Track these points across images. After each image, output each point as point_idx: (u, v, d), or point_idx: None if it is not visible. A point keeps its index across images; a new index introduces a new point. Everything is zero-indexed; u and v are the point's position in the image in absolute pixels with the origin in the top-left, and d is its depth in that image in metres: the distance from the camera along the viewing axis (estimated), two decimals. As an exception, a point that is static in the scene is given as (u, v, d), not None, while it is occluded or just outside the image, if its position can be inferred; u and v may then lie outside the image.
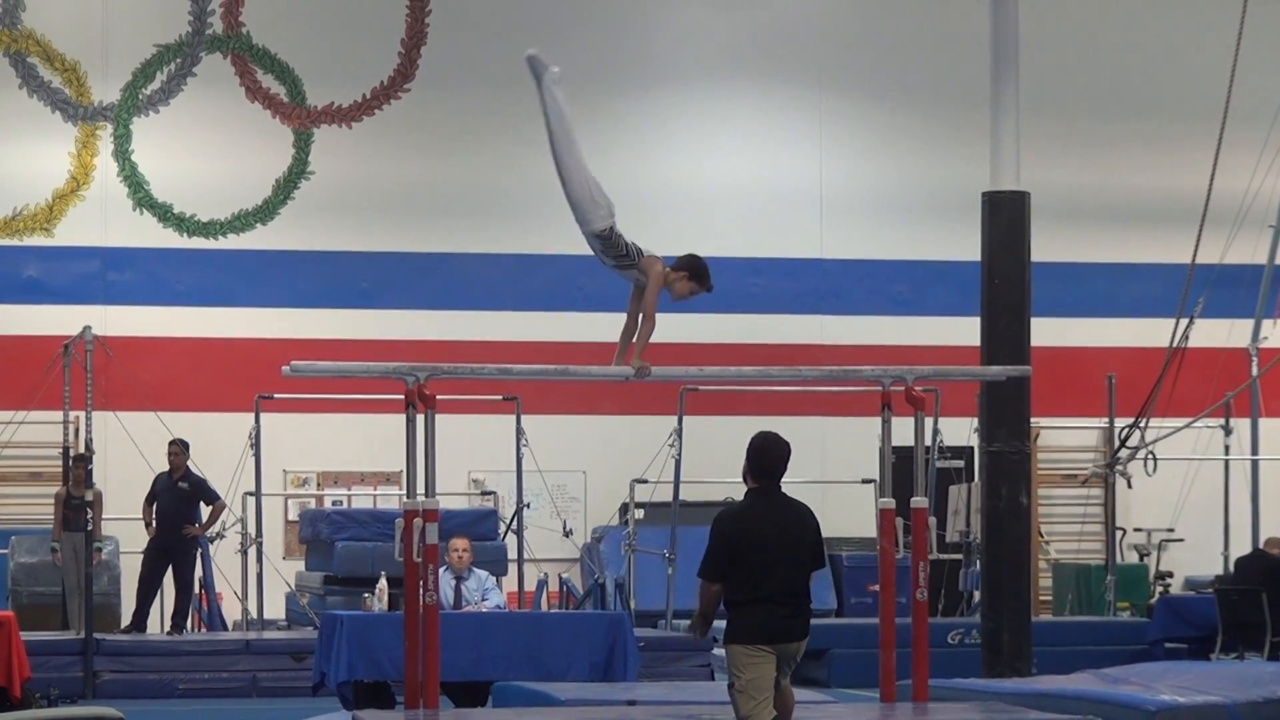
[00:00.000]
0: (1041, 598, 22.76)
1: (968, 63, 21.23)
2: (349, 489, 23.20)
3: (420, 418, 10.96)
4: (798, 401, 22.02)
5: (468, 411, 20.57)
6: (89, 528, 17.84)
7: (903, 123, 24.60)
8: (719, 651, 12.56)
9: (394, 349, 21.45)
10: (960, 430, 20.51)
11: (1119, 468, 20.25)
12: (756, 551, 9.15)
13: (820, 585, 21.63)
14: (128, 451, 20.00)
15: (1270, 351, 22.75)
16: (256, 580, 19.51)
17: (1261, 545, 20.44)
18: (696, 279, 10.79)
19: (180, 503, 18.63)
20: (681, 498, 19.30)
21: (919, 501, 11.70)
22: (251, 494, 19.75)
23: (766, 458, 9.33)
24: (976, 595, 17.98)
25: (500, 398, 20.74)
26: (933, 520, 13.70)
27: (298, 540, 21.69)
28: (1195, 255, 18.51)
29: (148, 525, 18.62)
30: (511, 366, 12.55)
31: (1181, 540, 23.63)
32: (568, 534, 21.05)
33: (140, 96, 23.18)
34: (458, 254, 23.77)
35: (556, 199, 24.10)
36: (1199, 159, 19.08)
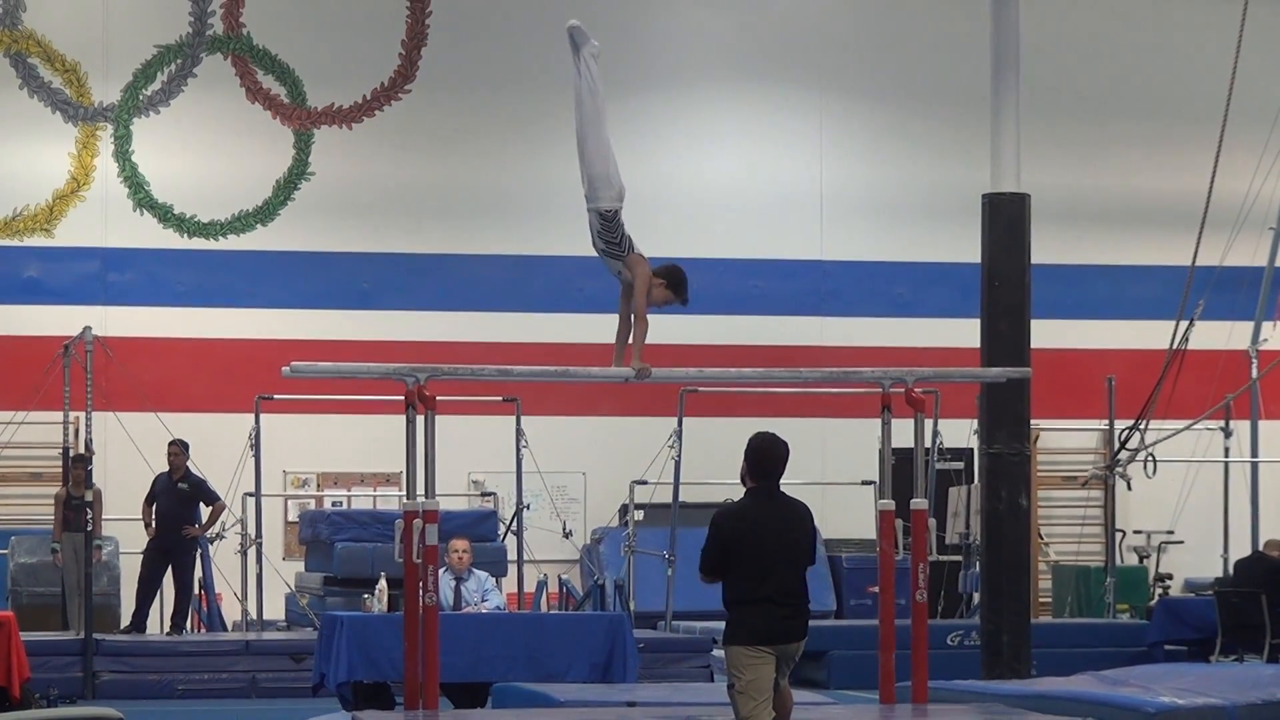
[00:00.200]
0: (1041, 600, 22.77)
1: (968, 65, 21.24)
2: (349, 490, 23.20)
3: (420, 419, 10.97)
4: (798, 403, 22.01)
5: (468, 412, 20.58)
6: (89, 528, 17.84)
7: (903, 124, 24.60)
8: (718, 653, 12.57)
9: (394, 350, 21.44)
10: (960, 432, 20.52)
11: (1119, 470, 20.25)
12: (754, 551, 9.16)
13: (820, 586, 21.65)
14: (128, 452, 20.00)
15: (1270, 354, 22.76)
16: (256, 581, 19.51)
17: (1261, 547, 20.44)
18: (674, 289, 10.81)
19: (180, 503, 18.63)
20: (681, 499, 19.29)
21: (919, 503, 11.71)
22: (251, 495, 19.75)
23: (766, 458, 9.33)
24: (976, 597, 17.99)
25: (500, 399, 20.74)
26: (932, 522, 13.68)
27: (297, 541, 21.70)
28: (1195, 257, 18.50)
29: (147, 526, 18.62)
30: (511, 367, 12.57)
31: (1181, 542, 23.63)
32: (567, 535, 21.05)
33: (141, 97, 23.19)
34: (458, 255, 23.77)
35: (556, 200, 24.28)
36: (1199, 161, 19.08)
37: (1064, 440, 24.46)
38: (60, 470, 19.62)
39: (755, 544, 9.16)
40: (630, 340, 10.87)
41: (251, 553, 19.55)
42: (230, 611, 20.50)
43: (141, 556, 18.84)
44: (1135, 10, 25.20)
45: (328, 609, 17.51)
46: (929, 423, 16.77)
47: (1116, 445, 20.12)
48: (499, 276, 23.77)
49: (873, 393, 11.88)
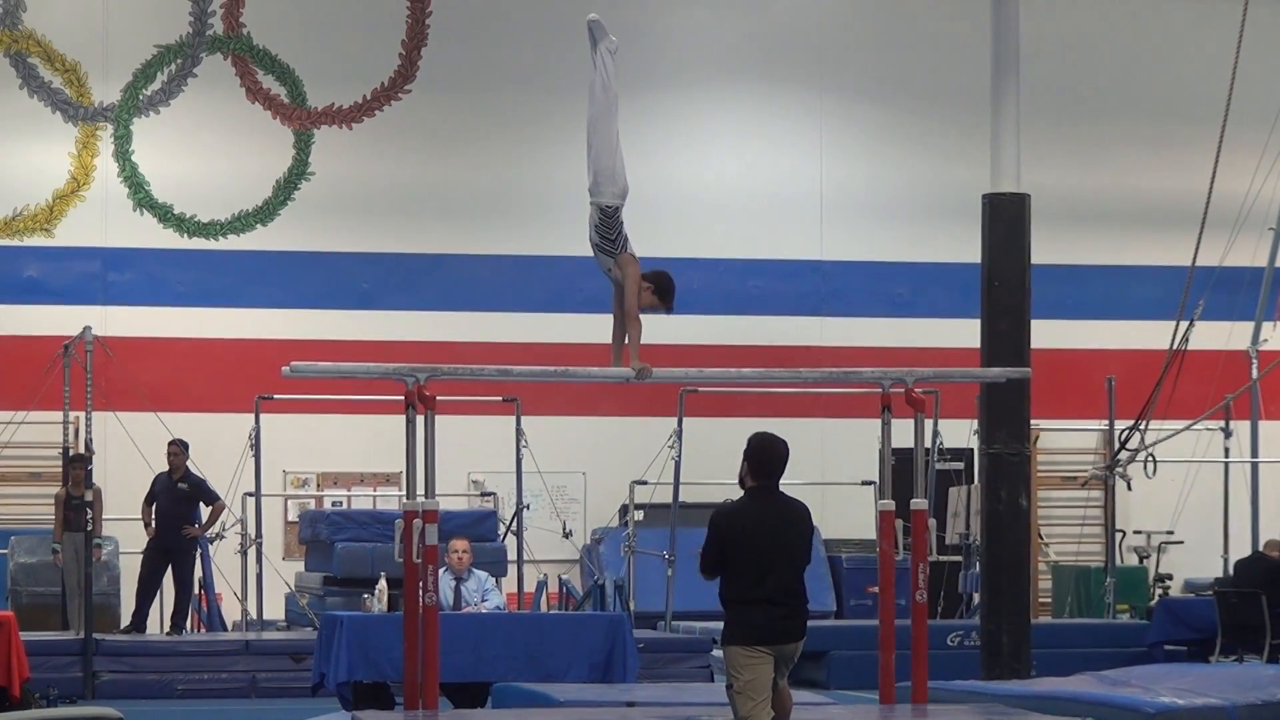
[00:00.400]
0: (1041, 600, 22.76)
1: (968, 65, 21.26)
2: (349, 490, 23.20)
3: (420, 419, 10.96)
4: (797, 403, 22.01)
5: (467, 413, 20.58)
6: (89, 528, 17.84)
7: (903, 125, 24.60)
8: (718, 653, 12.57)
9: (394, 350, 21.43)
10: (960, 432, 20.51)
11: (1119, 470, 20.24)
12: (752, 551, 9.15)
13: (820, 587, 21.65)
14: (128, 452, 20.00)
15: (1270, 354, 22.75)
16: (256, 581, 19.51)
17: (1261, 548, 20.44)
18: (660, 295, 10.81)
19: (179, 503, 18.63)
20: (681, 499, 19.30)
21: (919, 503, 11.70)
22: (251, 494, 19.76)
23: (767, 458, 9.32)
24: (976, 597, 17.99)
25: (500, 399, 20.75)
26: (932, 522, 13.69)
27: (297, 541, 21.70)
28: (1195, 258, 18.49)
29: (147, 525, 18.61)
30: (511, 368, 12.56)
31: (1181, 543, 23.63)
32: (567, 535, 21.05)
33: (141, 97, 23.19)
34: (458, 255, 23.77)
35: (557, 200, 24.29)
36: (1199, 161, 19.07)
37: (1064, 440, 24.45)
38: (60, 470, 19.61)
39: (754, 543, 9.16)
40: (626, 341, 10.87)
41: (251, 552, 19.55)
42: (230, 611, 20.50)
43: (141, 556, 18.84)
44: (1135, 10, 25.20)
45: (327, 609, 17.50)
46: (929, 423, 16.76)
47: (1116, 445, 20.11)
48: (499, 276, 23.78)
49: (873, 393, 11.87)
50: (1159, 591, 22.37)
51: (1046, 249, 19.19)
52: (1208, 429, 22.38)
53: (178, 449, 18.73)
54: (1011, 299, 15.23)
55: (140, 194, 23.16)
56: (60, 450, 19.73)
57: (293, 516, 22.58)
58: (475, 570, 15.61)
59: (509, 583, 19.71)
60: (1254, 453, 23.09)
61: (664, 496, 19.65)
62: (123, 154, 23.12)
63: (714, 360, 20.95)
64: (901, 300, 24.56)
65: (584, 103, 25.71)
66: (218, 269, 23.30)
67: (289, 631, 19.62)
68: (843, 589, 22.59)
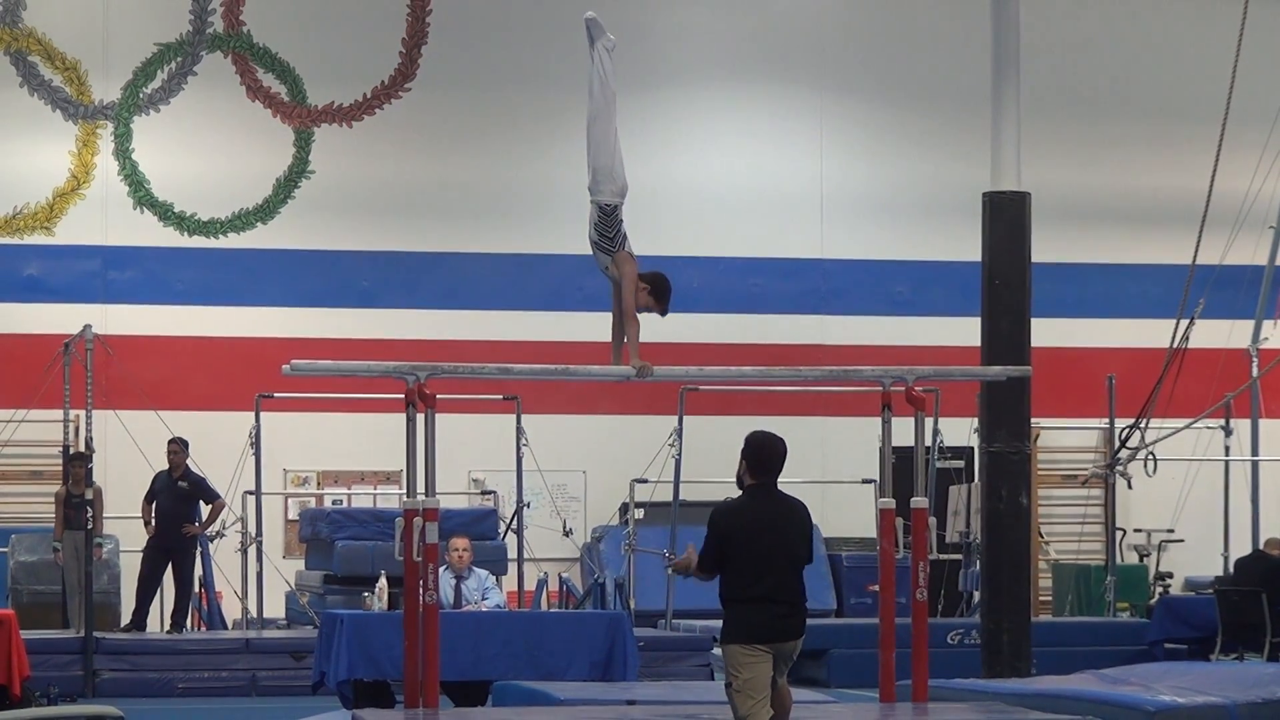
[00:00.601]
0: (1041, 598, 22.76)
1: (969, 63, 21.25)
2: (349, 488, 23.20)
3: (420, 417, 10.96)
4: (798, 401, 22.01)
5: (468, 411, 20.58)
6: (89, 526, 17.84)
7: (903, 123, 24.60)
8: (718, 651, 12.57)
9: (394, 348, 21.44)
10: (960, 430, 20.51)
11: (1119, 468, 20.24)
12: (751, 549, 9.15)
13: (820, 585, 21.65)
14: (128, 450, 20.00)
15: (1270, 352, 22.74)
16: (256, 579, 19.51)
17: (1261, 546, 20.44)
18: (655, 296, 10.81)
19: (180, 501, 18.62)
20: (681, 497, 19.30)
21: (919, 502, 11.70)
22: (251, 493, 19.75)
23: (765, 456, 9.32)
24: (976, 595, 17.98)
25: (500, 397, 20.73)
26: (933, 520, 13.70)
27: (298, 539, 21.69)
28: (1196, 256, 18.49)
29: (147, 524, 18.61)
30: (511, 366, 12.55)
31: (1181, 541, 23.64)
32: (568, 534, 21.05)
33: (141, 95, 23.19)
34: (458, 253, 23.77)
35: (557, 199, 24.29)
36: (1200, 160, 19.06)
37: (1064, 439, 24.46)
38: (60, 468, 19.61)
39: (752, 542, 9.16)
40: (625, 340, 10.87)
41: (252, 551, 19.55)
42: (230, 610, 20.51)
43: (141, 555, 18.83)
44: (1136, 9, 25.20)
45: (328, 607, 17.51)
46: (929, 421, 16.77)
47: (1117, 444, 20.10)
48: (499, 275, 23.77)
49: (873, 391, 11.87)
50: (1159, 590, 22.37)
51: (1047, 247, 19.18)
52: (1208, 427, 22.37)
53: (178, 447, 18.72)
54: (1012, 297, 15.22)
55: (140, 192, 23.16)
56: (61, 448, 19.72)
57: (293, 515, 22.57)
58: (475, 568, 15.62)
59: (509, 581, 19.71)
60: (1254, 451, 23.09)
61: (664, 495, 19.66)
62: (123, 152, 23.11)
63: (714, 358, 20.95)
64: (902, 298, 24.56)
65: (585, 101, 25.70)
66: (218, 267, 23.30)
67: (289, 630, 19.62)
68: (843, 587, 22.60)
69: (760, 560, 9.15)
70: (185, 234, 23.30)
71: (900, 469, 12.40)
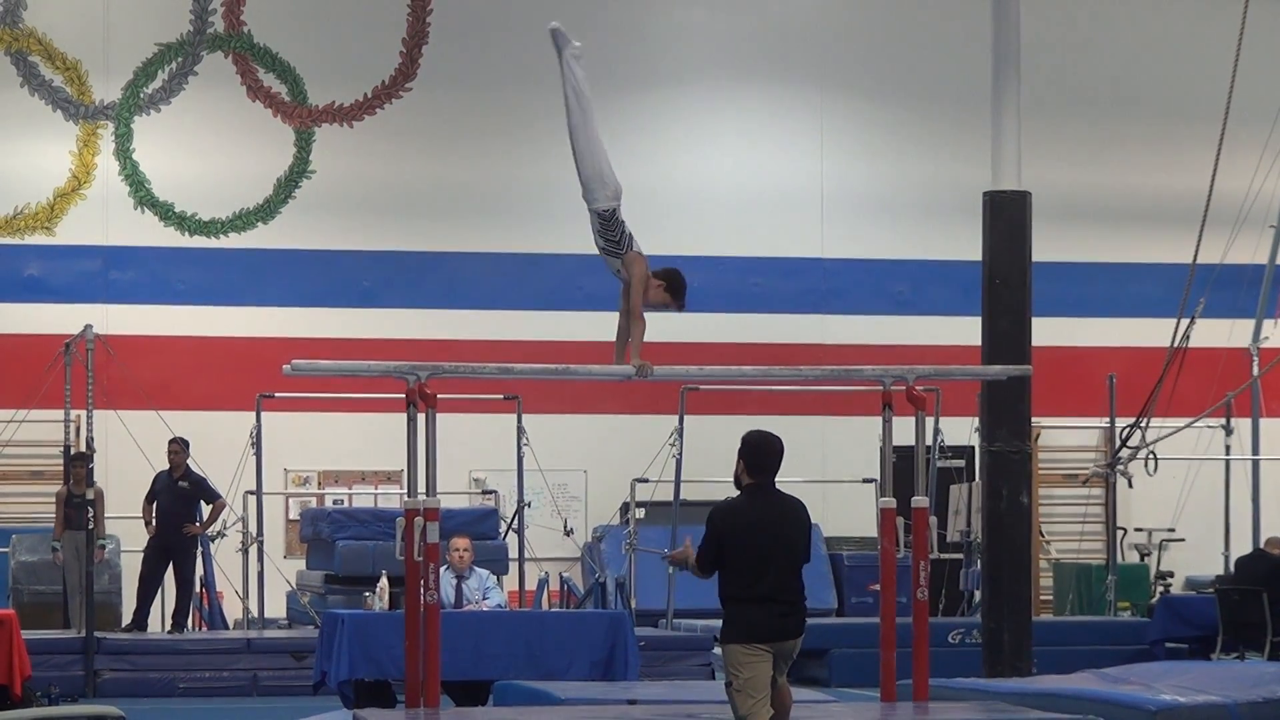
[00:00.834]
0: (1042, 597, 22.75)
1: (969, 62, 21.24)
2: (350, 488, 23.20)
3: (421, 417, 10.96)
4: (798, 401, 22.01)
5: (469, 411, 20.59)
6: (90, 526, 17.85)
7: (904, 122, 24.60)
8: (718, 651, 12.58)
9: (395, 348, 21.43)
10: (961, 430, 20.51)
11: (1120, 467, 20.25)
12: (750, 549, 9.16)
13: (821, 585, 21.66)
14: (129, 450, 20.00)
15: (1271, 351, 22.75)
16: (257, 579, 19.52)
17: (1262, 545, 20.43)
18: (671, 292, 10.80)
19: (180, 501, 18.62)
20: (682, 497, 19.31)
21: (920, 501, 11.69)
22: (252, 493, 19.76)
23: (762, 455, 9.33)
24: (977, 595, 17.98)
25: (501, 397, 20.72)
26: (933, 520, 13.69)
27: (299, 539, 21.70)
28: (1196, 255, 18.49)
29: (147, 524, 18.61)
30: (512, 365, 12.54)
31: (1182, 540, 23.64)
32: (568, 533, 21.04)
33: (141, 95, 23.19)
34: (459, 253, 23.77)
35: (558, 198, 24.21)
36: (1200, 159, 19.08)
37: (1065, 438, 24.46)
38: (61, 468, 19.62)
39: (751, 541, 9.17)
40: (629, 339, 10.87)
41: (253, 551, 19.55)
42: (231, 610, 20.50)
43: (142, 555, 18.84)
44: (1136, 8, 25.20)
45: (329, 607, 17.51)
46: (930, 420, 16.78)
47: (1117, 443, 20.11)
48: (500, 274, 23.78)
49: (873, 390, 11.86)
50: (1160, 589, 22.38)
51: (1047, 246, 19.18)
52: (1209, 426, 22.38)
53: (178, 447, 18.73)
54: (1012, 296, 15.22)
55: (141, 192, 23.16)
56: (61, 448, 19.73)
57: (294, 515, 22.58)
58: (476, 568, 15.62)
59: (510, 581, 19.72)
60: (1255, 450, 23.09)
61: (665, 494, 19.66)
62: (124, 152, 23.12)
63: (715, 358, 20.95)
64: (902, 298, 24.56)
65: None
66: (219, 267, 23.30)
67: (290, 630, 19.62)
68: (844, 587, 22.60)
69: (759, 559, 9.15)
70: (186, 234, 23.30)
71: (901, 468, 12.40)
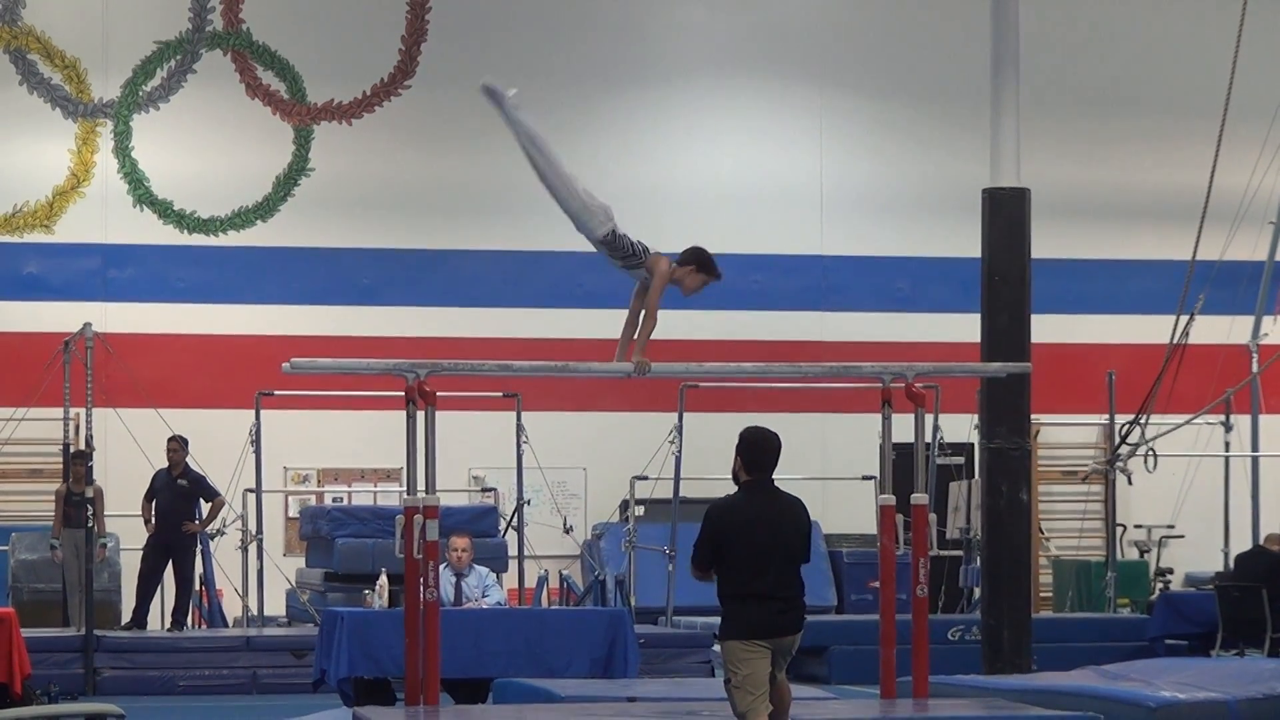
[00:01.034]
0: (1042, 594, 22.77)
1: (968, 59, 21.23)
2: (349, 486, 23.20)
3: (420, 414, 10.96)
4: (798, 398, 22.01)
5: (468, 408, 20.57)
6: (89, 524, 17.85)
7: (903, 119, 24.60)
8: (717, 648, 12.60)
9: (394, 346, 21.42)
10: (960, 427, 20.52)
11: (1119, 464, 20.25)
12: (748, 546, 9.15)
13: (820, 582, 21.67)
14: (128, 448, 20.00)
15: (1271, 348, 22.76)
16: (257, 577, 19.51)
17: (1262, 542, 20.44)
18: (705, 270, 10.86)
19: (179, 499, 18.61)
20: (682, 494, 19.31)
21: (919, 498, 11.69)
22: (252, 491, 19.75)
23: (759, 451, 9.33)
24: (977, 592, 17.98)
25: (501, 394, 20.72)
26: (933, 517, 13.65)
27: (298, 537, 21.71)
28: (1196, 252, 18.50)
29: (147, 522, 18.60)
30: (512, 363, 12.54)
31: (1182, 537, 23.64)
32: (568, 531, 21.05)
33: (140, 93, 23.19)
34: (458, 251, 23.77)
35: (557, 196, 23.91)
36: (1199, 155, 19.08)
37: (1064, 435, 24.46)
38: (60, 466, 19.63)
39: (749, 539, 9.16)
40: (635, 335, 10.89)
41: (252, 549, 19.54)
42: (231, 607, 20.51)
43: (141, 553, 18.83)
44: (1135, 5, 25.20)
45: (328, 605, 17.52)
46: (929, 418, 16.76)
47: (1117, 440, 20.12)
48: (499, 272, 23.77)
49: (873, 387, 11.86)
50: (1160, 586, 22.38)
51: (1046, 243, 19.17)
52: (1208, 423, 22.38)
53: (177, 445, 18.72)
54: (1011, 294, 15.21)
55: (140, 190, 23.16)
56: (61, 446, 19.74)
57: (293, 512, 22.58)
58: (476, 566, 15.62)
59: (510, 578, 19.72)
60: (1254, 447, 23.09)
61: (665, 492, 19.66)
62: (122, 150, 23.12)
63: (714, 355, 20.95)
64: (902, 295, 24.56)
65: (584, 97, 25.79)
66: (218, 265, 23.30)
67: (290, 627, 19.63)
68: (843, 584, 22.60)
69: (757, 556, 9.15)
70: (185, 232, 23.30)
71: (900, 465, 12.39)
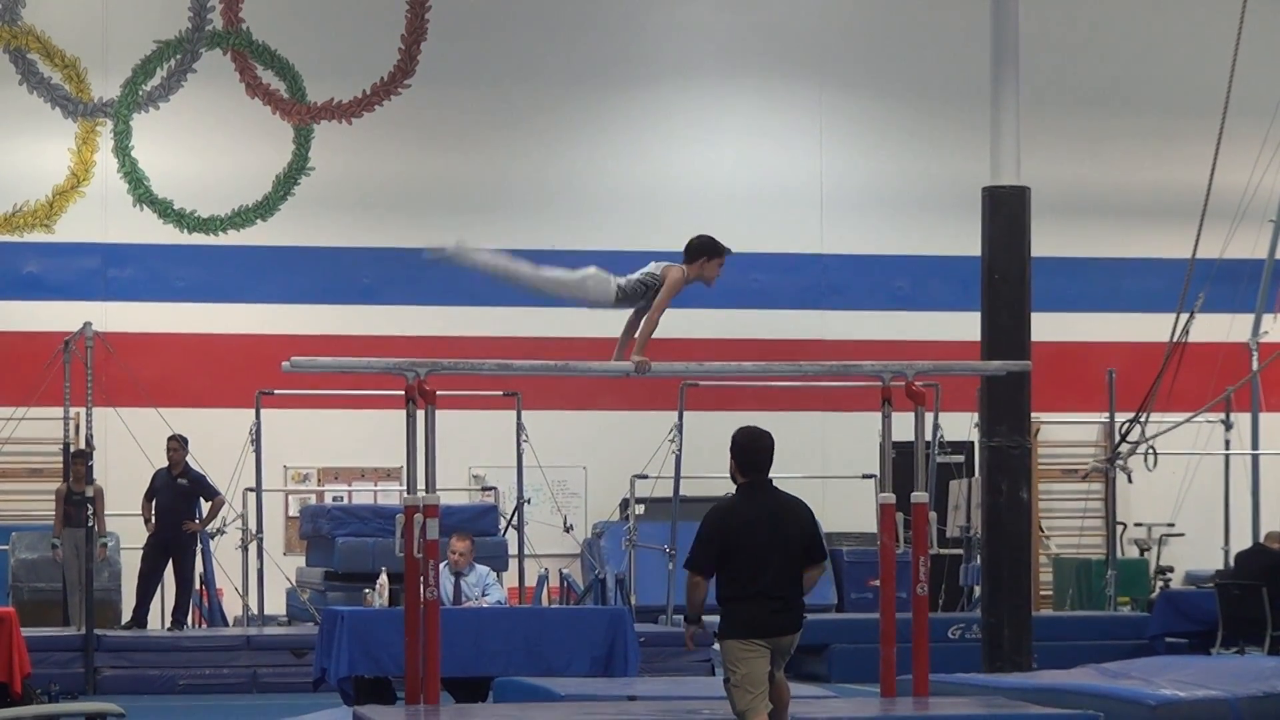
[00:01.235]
0: (1042, 593, 22.77)
1: (968, 58, 21.23)
2: (349, 485, 23.20)
3: (420, 413, 10.96)
4: (798, 396, 22.01)
5: (468, 407, 20.52)
6: (90, 524, 17.85)
7: (903, 118, 24.60)
8: (717, 646, 12.59)
9: (394, 344, 21.41)
10: (961, 425, 20.52)
11: (1119, 462, 20.25)
12: (748, 547, 9.16)
13: (820, 580, 21.62)
14: (128, 448, 20.00)
15: (1271, 346, 22.75)
16: (257, 576, 19.51)
17: (1262, 540, 20.43)
18: (714, 253, 10.95)
19: (179, 499, 18.61)
20: (682, 493, 19.31)
21: (919, 496, 11.68)
22: (252, 490, 19.75)
23: (752, 452, 9.34)
24: (977, 590, 17.98)
25: (501, 393, 20.71)
26: (933, 515, 13.66)
27: (298, 536, 21.71)
28: (1196, 250, 18.49)
29: (147, 521, 18.61)
30: (512, 362, 12.54)
31: (1182, 535, 23.64)
32: (568, 529, 21.05)
33: (140, 93, 23.19)
34: (458, 250, 23.72)
35: (557, 195, 24.22)
36: (1199, 154, 19.07)
37: (1064, 433, 24.46)
38: (61, 466, 19.63)
39: (747, 540, 9.17)
40: (635, 334, 10.91)
41: (252, 548, 19.54)
42: (231, 607, 20.51)
43: (142, 552, 18.83)
44: (1135, 5, 25.20)
45: (329, 604, 17.52)
46: (929, 416, 16.76)
47: (1117, 438, 20.11)
48: (500, 271, 23.73)
49: (873, 386, 11.85)
50: (1160, 584, 22.38)
51: (1046, 242, 19.19)
52: (1208, 421, 22.38)
53: (177, 444, 18.72)
54: (1012, 292, 15.21)
55: (140, 189, 23.16)
56: (61, 446, 19.74)
57: (293, 512, 22.58)
58: (476, 565, 15.62)
59: (510, 577, 19.71)
60: (1255, 445, 23.09)
61: (665, 490, 19.66)
62: (122, 150, 23.12)
63: (714, 354, 20.95)
64: (902, 293, 24.56)
65: (583, 95, 25.75)
66: (218, 264, 23.30)
67: (290, 627, 19.63)
68: (843, 582, 22.60)
69: (756, 557, 9.16)
70: (185, 231, 23.30)
71: (900, 464, 12.39)
